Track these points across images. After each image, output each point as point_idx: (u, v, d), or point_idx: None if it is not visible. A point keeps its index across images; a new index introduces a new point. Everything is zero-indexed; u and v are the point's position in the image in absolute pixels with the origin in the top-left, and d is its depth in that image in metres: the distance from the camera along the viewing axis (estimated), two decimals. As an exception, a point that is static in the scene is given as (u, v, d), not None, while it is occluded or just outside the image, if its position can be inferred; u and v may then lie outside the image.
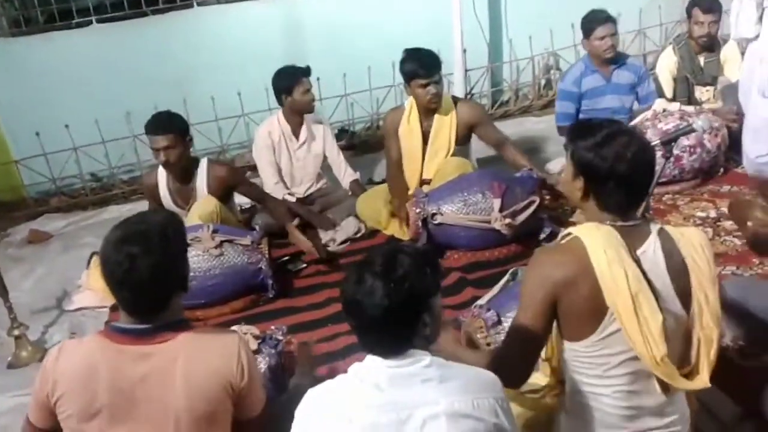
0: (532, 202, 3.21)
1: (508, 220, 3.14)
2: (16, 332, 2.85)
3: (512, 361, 1.65)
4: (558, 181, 1.75)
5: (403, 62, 3.43)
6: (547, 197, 3.33)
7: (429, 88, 3.37)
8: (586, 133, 1.67)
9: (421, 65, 3.36)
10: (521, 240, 3.25)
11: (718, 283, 1.65)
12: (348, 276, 1.45)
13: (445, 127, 3.51)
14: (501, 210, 3.15)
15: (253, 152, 3.84)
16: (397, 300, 1.38)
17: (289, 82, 3.61)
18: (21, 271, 3.56)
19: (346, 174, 3.87)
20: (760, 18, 2.74)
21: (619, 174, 1.59)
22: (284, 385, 2.18)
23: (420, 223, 3.20)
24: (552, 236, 3.25)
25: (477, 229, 3.19)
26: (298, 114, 3.70)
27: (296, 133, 3.74)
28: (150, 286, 1.53)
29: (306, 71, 3.63)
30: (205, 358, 1.56)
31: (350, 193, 3.83)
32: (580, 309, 1.58)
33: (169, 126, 3.18)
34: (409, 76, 3.42)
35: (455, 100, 3.62)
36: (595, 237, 1.58)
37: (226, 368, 1.56)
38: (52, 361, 1.58)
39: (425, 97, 3.40)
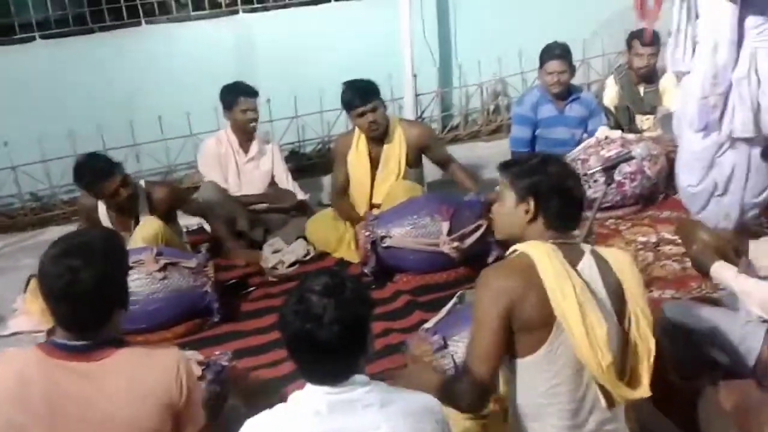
0: (480, 225, 3.25)
1: (456, 244, 3.18)
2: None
3: (475, 381, 1.65)
4: (492, 215, 1.87)
5: (342, 94, 3.48)
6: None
7: (367, 116, 3.41)
8: (521, 162, 1.82)
9: (356, 95, 3.41)
10: (469, 263, 3.28)
11: (651, 304, 1.74)
12: (290, 306, 1.40)
13: (394, 150, 3.54)
14: (449, 233, 3.19)
15: (199, 163, 3.81)
16: (348, 323, 1.37)
17: (230, 99, 3.68)
18: (-47, 293, 3.41)
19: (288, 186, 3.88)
20: (694, 52, 2.87)
21: (567, 187, 1.73)
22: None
23: (369, 246, 3.21)
24: (499, 260, 3.29)
25: (426, 252, 3.21)
26: (240, 131, 3.74)
27: (245, 148, 3.78)
28: (91, 299, 1.49)
29: (248, 91, 3.67)
30: (144, 375, 1.53)
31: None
32: (531, 320, 1.62)
33: (117, 168, 3.13)
34: (347, 107, 3.48)
35: (404, 123, 3.65)
36: (541, 251, 1.66)
37: (166, 385, 1.53)
38: None
39: (364, 125, 3.45)
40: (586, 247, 1.75)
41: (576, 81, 4.86)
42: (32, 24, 4.27)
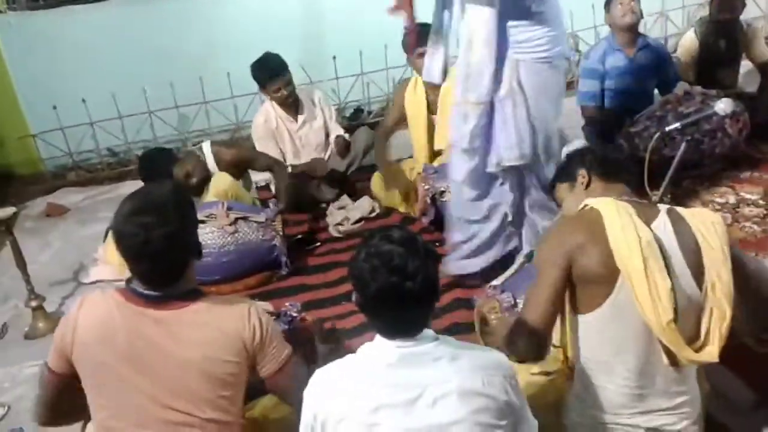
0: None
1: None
2: (33, 304, 2.89)
3: (529, 330, 1.66)
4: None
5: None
6: None
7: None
8: (562, 165, 2.05)
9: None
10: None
11: (736, 260, 1.65)
12: (371, 260, 1.38)
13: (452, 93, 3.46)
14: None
15: (255, 143, 3.81)
16: (428, 275, 1.38)
17: (260, 79, 3.63)
18: (38, 243, 3.60)
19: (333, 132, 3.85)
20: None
21: (590, 148, 2.00)
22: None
23: (428, 200, 3.19)
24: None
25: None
26: (282, 105, 3.70)
27: (293, 116, 3.74)
28: (166, 255, 1.54)
29: (276, 71, 3.56)
30: (217, 324, 1.59)
31: (334, 147, 3.81)
32: (594, 273, 1.61)
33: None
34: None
35: None
36: (610, 205, 1.66)
37: (238, 331, 1.59)
38: (75, 310, 1.61)
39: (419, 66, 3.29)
40: (663, 207, 1.70)
41: (653, 34, 4.68)
42: (107, -17, 4.37)
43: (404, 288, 1.36)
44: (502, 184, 2.63)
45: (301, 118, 3.75)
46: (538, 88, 2.42)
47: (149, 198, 1.61)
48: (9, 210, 2.83)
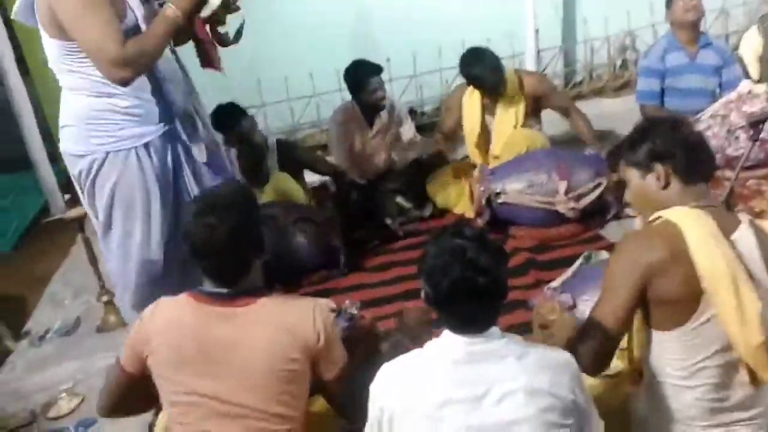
0: (599, 184, 3.16)
1: (572, 204, 3.12)
2: (104, 298, 3.01)
3: (592, 351, 1.61)
4: (633, 207, 1.81)
5: (465, 63, 3.44)
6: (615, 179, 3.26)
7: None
8: (625, 140, 1.74)
9: (489, 76, 3.37)
10: (586, 220, 3.23)
11: None
12: (443, 255, 1.41)
13: (511, 100, 3.48)
14: (567, 192, 3.13)
15: (329, 136, 3.86)
16: (498, 270, 1.40)
17: (358, 82, 3.62)
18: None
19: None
20: None
21: (684, 136, 1.64)
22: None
23: (484, 201, 3.21)
24: (617, 217, 3.23)
25: (541, 210, 3.17)
26: (370, 109, 3.71)
27: (371, 123, 3.76)
28: (229, 251, 1.61)
29: (376, 70, 3.60)
30: (283, 321, 1.63)
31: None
32: (674, 295, 1.53)
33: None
34: (471, 80, 3.47)
35: (519, 73, 3.57)
36: (689, 219, 1.55)
37: (303, 330, 1.63)
38: (149, 315, 1.69)
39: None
40: (744, 217, 1.61)
41: (714, 32, 4.57)
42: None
43: (477, 282, 1.38)
44: None
45: (376, 126, 3.76)
46: None
47: (214, 198, 1.69)
48: (81, 209, 2.95)
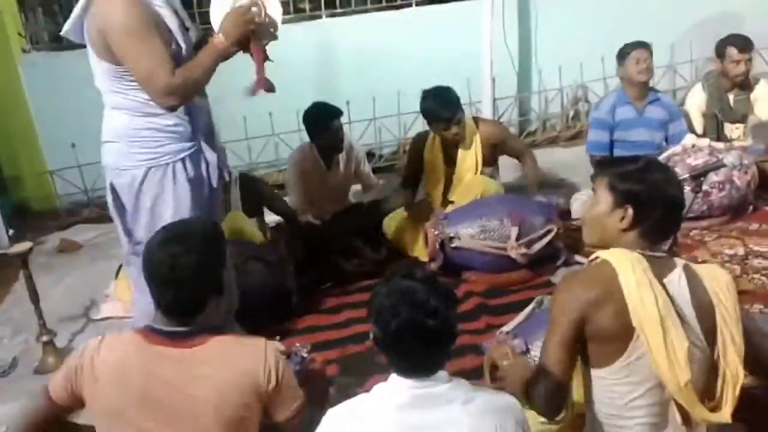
0: (549, 230, 3.23)
1: (524, 250, 3.17)
2: (44, 338, 2.90)
3: (545, 392, 1.63)
4: (583, 219, 1.77)
5: (424, 103, 3.48)
6: (562, 228, 3.32)
7: (451, 129, 3.42)
8: (624, 163, 1.70)
9: (442, 109, 3.41)
10: (537, 266, 3.28)
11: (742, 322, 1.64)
12: (393, 297, 1.42)
13: (470, 150, 3.55)
14: (518, 238, 3.18)
15: (287, 177, 3.87)
16: (449, 313, 1.41)
17: (317, 125, 3.63)
18: (51, 279, 3.62)
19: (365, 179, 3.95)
20: None
21: (670, 197, 1.64)
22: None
23: (437, 245, 3.23)
24: (567, 264, 3.29)
25: (493, 255, 3.21)
26: (327, 151, 3.74)
27: (328, 164, 3.78)
28: (190, 285, 1.58)
29: (335, 114, 3.62)
30: (233, 363, 1.59)
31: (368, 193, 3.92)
32: (607, 331, 1.57)
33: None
34: (430, 119, 3.49)
35: (476, 120, 3.66)
36: (624, 260, 1.59)
37: (254, 372, 1.59)
38: (93, 349, 1.63)
39: (448, 137, 3.47)
40: (680, 262, 1.66)
41: (662, 87, 4.76)
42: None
43: (426, 325, 1.38)
44: None
45: (334, 167, 3.78)
46: None
47: (181, 229, 1.67)
48: (26, 245, 2.88)
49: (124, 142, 2.28)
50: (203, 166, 2.39)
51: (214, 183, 2.43)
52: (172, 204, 2.30)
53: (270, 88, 2.44)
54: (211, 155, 2.40)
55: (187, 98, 2.24)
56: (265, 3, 2.29)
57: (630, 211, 1.63)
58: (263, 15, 2.29)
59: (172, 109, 2.21)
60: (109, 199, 2.38)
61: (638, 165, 1.67)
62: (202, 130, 2.39)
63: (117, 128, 2.29)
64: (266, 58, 2.39)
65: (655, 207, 1.62)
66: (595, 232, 1.73)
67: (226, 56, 2.24)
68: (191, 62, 2.22)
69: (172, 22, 2.21)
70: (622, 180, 1.65)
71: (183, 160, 2.31)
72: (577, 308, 1.58)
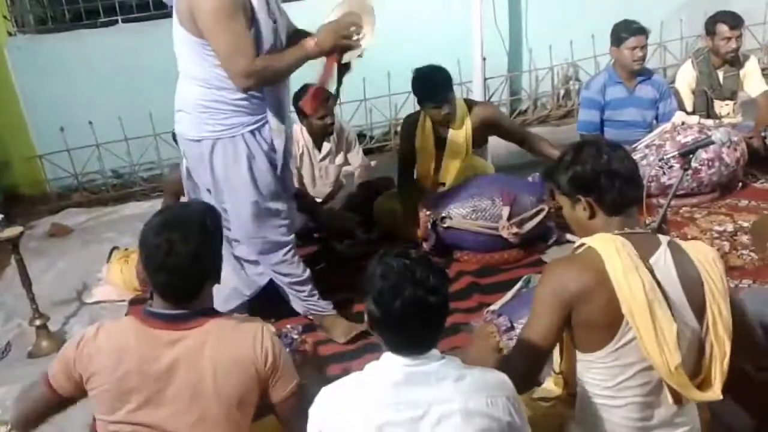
0: (540, 210, 3.24)
1: (515, 229, 3.18)
2: (37, 323, 2.91)
3: (520, 369, 1.65)
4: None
5: (414, 83, 3.42)
6: (556, 206, 3.34)
7: (441, 109, 3.35)
8: (557, 165, 1.74)
9: (431, 90, 3.34)
10: (529, 245, 3.30)
11: (731, 296, 1.66)
12: (393, 276, 1.41)
13: (460, 132, 3.52)
14: (509, 218, 3.19)
15: None
16: (446, 290, 1.42)
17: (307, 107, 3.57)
18: (43, 263, 3.62)
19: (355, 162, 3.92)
20: None
21: (608, 167, 1.64)
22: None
23: (429, 225, 3.24)
24: (558, 242, 3.31)
25: (485, 235, 3.22)
26: (316, 134, 3.71)
27: (319, 146, 3.76)
28: (186, 272, 1.58)
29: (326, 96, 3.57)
30: (231, 344, 1.61)
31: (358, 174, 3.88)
32: (596, 319, 1.58)
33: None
34: (420, 99, 3.43)
35: (468, 103, 3.61)
36: (609, 246, 1.60)
37: (251, 353, 1.61)
38: (90, 338, 1.63)
39: (437, 117, 3.40)
40: (664, 239, 1.67)
41: (651, 65, 4.75)
42: (115, 8, 4.45)
43: (428, 302, 1.39)
44: None
45: (324, 149, 3.76)
46: None
47: (179, 214, 1.66)
48: (16, 229, 2.86)
49: (195, 113, 2.37)
50: (270, 140, 2.46)
51: (279, 158, 2.49)
52: (246, 175, 2.41)
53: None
54: (278, 128, 2.46)
55: (263, 84, 2.33)
56: (365, 30, 2.42)
57: (583, 199, 1.67)
58: (359, 39, 2.41)
59: (244, 91, 2.30)
60: (183, 168, 2.52)
61: (568, 154, 1.71)
62: (274, 106, 2.45)
63: (188, 99, 2.39)
64: (344, 70, 2.52)
65: (601, 182, 1.64)
66: (580, 231, 1.76)
67: (311, 58, 2.37)
68: (278, 54, 2.34)
69: (261, 10, 2.29)
70: (559, 176, 1.71)
71: (253, 132, 2.40)
72: (564, 298, 1.58)
